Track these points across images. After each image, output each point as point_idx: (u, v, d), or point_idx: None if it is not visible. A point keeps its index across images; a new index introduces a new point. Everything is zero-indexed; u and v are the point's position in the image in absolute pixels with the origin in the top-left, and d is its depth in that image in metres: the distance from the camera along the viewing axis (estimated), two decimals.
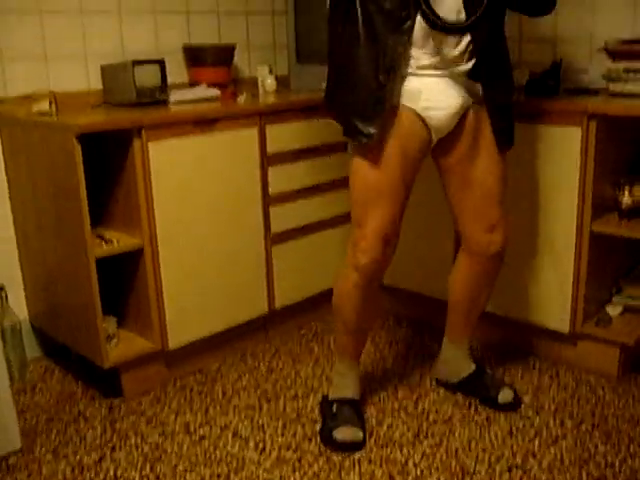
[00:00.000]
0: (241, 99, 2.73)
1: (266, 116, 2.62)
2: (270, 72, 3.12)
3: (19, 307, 2.70)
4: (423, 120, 1.97)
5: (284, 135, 2.71)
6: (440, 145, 2.08)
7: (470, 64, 1.96)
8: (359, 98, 1.93)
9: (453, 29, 1.85)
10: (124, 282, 2.50)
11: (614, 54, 2.56)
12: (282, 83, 3.17)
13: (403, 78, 1.93)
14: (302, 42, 3.08)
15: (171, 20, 3.00)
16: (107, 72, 2.71)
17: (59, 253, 2.43)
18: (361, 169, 2.02)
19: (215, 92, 2.78)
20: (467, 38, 1.91)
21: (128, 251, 2.36)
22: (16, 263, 2.71)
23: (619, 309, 2.57)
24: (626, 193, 2.44)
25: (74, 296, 2.40)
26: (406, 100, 1.95)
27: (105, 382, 2.48)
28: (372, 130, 1.92)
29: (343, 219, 2.90)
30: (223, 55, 2.96)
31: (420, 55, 1.91)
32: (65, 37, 2.70)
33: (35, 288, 2.69)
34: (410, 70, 1.93)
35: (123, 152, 2.31)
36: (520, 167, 2.48)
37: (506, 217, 2.17)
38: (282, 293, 2.83)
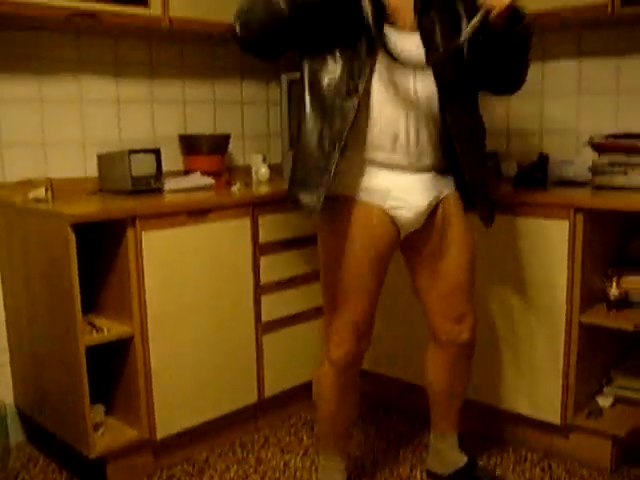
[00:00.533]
0: (234, 189, 2.78)
1: (258, 206, 2.66)
2: (264, 161, 3.18)
3: (6, 390, 2.68)
4: (391, 217, 1.99)
5: (276, 225, 2.74)
6: (408, 239, 2.09)
7: (436, 158, 1.99)
8: (305, 168, 1.91)
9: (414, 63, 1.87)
10: (113, 368, 2.49)
11: (599, 148, 2.63)
12: (276, 170, 3.23)
13: (363, 163, 1.94)
14: (295, 131, 3.14)
15: (168, 109, 3.08)
16: (104, 160, 2.76)
17: (49, 338, 2.42)
18: (330, 263, 2.02)
19: (209, 181, 2.84)
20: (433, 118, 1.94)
21: (118, 339, 2.36)
22: (5, 345, 2.69)
23: (610, 400, 2.56)
24: (614, 284, 2.46)
25: (62, 383, 2.38)
26: (375, 198, 1.96)
27: (90, 471, 2.43)
28: (313, 200, 1.88)
29: None
30: (218, 144, 3.02)
31: (377, 136, 1.90)
32: (64, 124, 2.77)
33: (23, 372, 2.66)
34: (369, 155, 1.93)
35: (117, 240, 2.33)
36: (508, 259, 2.52)
37: (473, 305, 2.17)
38: (272, 382, 2.81)
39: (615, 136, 2.63)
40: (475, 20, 1.84)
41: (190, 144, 3.01)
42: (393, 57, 1.86)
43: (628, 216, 2.42)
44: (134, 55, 2.96)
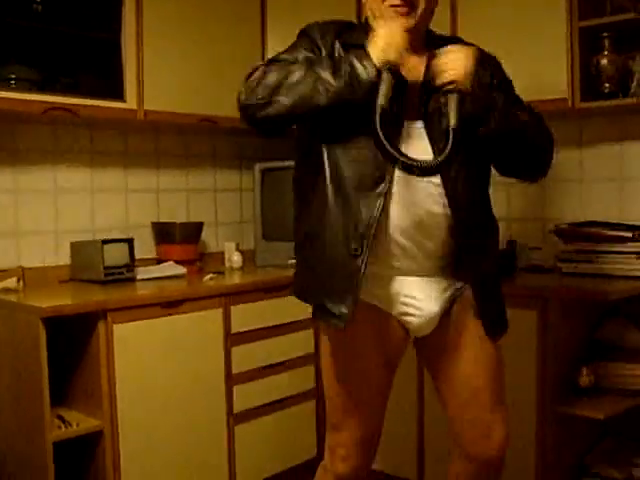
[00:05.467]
0: (207, 279, 2.79)
1: (231, 297, 2.67)
2: (237, 249, 3.21)
3: None
4: (401, 321, 1.82)
5: (248, 315, 2.74)
6: (422, 340, 1.88)
7: (448, 260, 1.79)
8: (328, 271, 1.72)
9: (429, 168, 1.60)
10: (80, 463, 2.43)
11: (564, 236, 2.69)
12: (248, 257, 3.25)
13: (381, 276, 1.76)
14: (268, 219, 3.20)
15: (142, 198, 3.12)
16: (76, 249, 2.77)
17: (14, 433, 2.37)
18: (336, 368, 1.84)
19: (181, 270, 2.85)
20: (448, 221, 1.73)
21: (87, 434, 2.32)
22: None
23: None
24: (584, 372, 2.47)
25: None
26: (384, 304, 1.79)
27: None
28: (344, 310, 1.69)
29: (308, 396, 2.91)
30: (191, 232, 3.05)
31: (396, 236, 1.72)
32: (38, 214, 2.78)
33: None
34: (387, 259, 1.74)
35: (87, 332, 2.32)
36: None
37: (504, 415, 1.87)
38: (244, 473, 2.75)
39: (580, 224, 2.70)
40: (451, 104, 1.64)
41: (163, 232, 3.04)
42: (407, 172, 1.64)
43: (596, 303, 2.46)
44: (109, 145, 3.00)
